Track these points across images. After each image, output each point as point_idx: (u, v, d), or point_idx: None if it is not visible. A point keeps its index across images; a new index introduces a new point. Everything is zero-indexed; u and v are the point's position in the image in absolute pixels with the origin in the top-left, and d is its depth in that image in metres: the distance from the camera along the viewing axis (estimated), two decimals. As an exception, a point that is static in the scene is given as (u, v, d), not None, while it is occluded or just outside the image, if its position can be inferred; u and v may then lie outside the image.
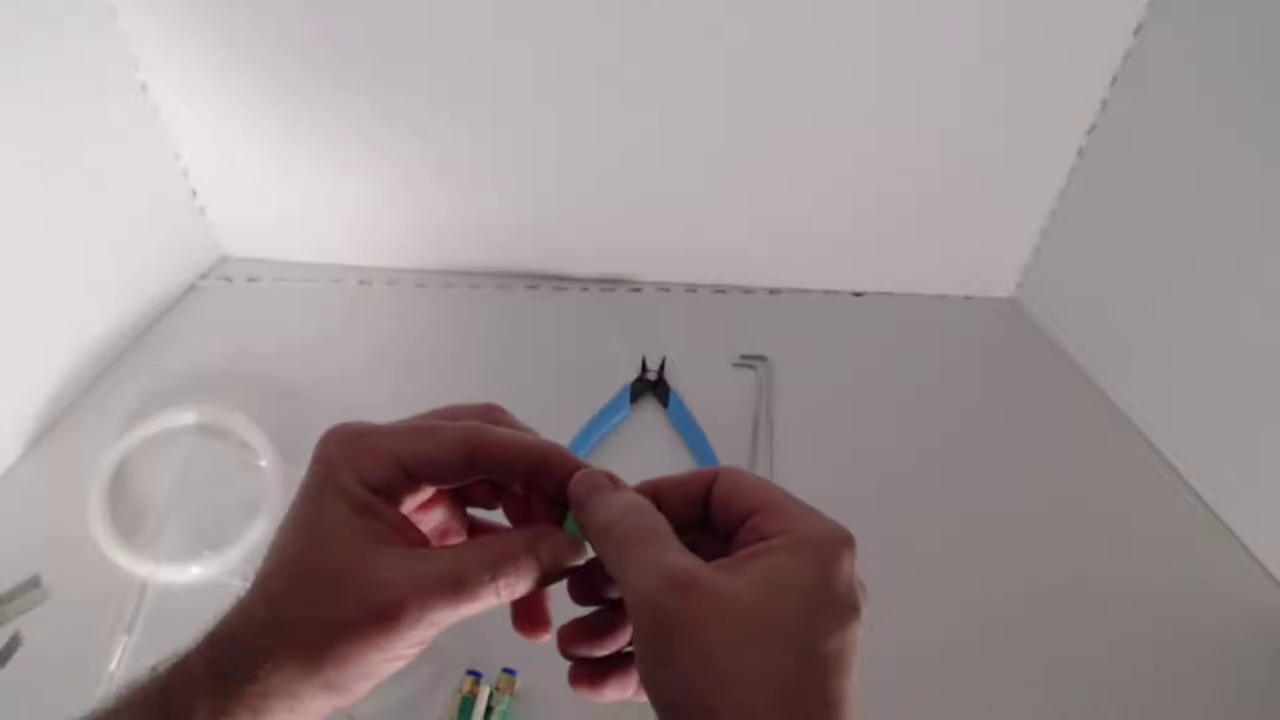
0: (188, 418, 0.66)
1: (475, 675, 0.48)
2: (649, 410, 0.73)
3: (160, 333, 0.80)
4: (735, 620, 0.22)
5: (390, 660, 0.25)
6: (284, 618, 0.24)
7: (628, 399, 0.72)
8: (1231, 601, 0.58)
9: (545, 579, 0.27)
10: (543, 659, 0.29)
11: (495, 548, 0.27)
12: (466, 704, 0.47)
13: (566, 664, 0.28)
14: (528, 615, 0.29)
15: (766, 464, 0.67)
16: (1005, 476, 0.68)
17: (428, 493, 0.29)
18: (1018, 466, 0.69)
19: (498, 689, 0.48)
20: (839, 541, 0.24)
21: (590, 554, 0.28)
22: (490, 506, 0.32)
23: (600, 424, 0.69)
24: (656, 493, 0.28)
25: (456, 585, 0.25)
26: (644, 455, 0.69)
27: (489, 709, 0.47)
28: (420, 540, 0.28)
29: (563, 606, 0.30)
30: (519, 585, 0.26)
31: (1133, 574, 0.60)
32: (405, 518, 0.28)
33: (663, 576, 0.23)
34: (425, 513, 0.30)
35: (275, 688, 0.23)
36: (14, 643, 0.50)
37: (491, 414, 0.30)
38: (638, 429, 0.71)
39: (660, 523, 0.25)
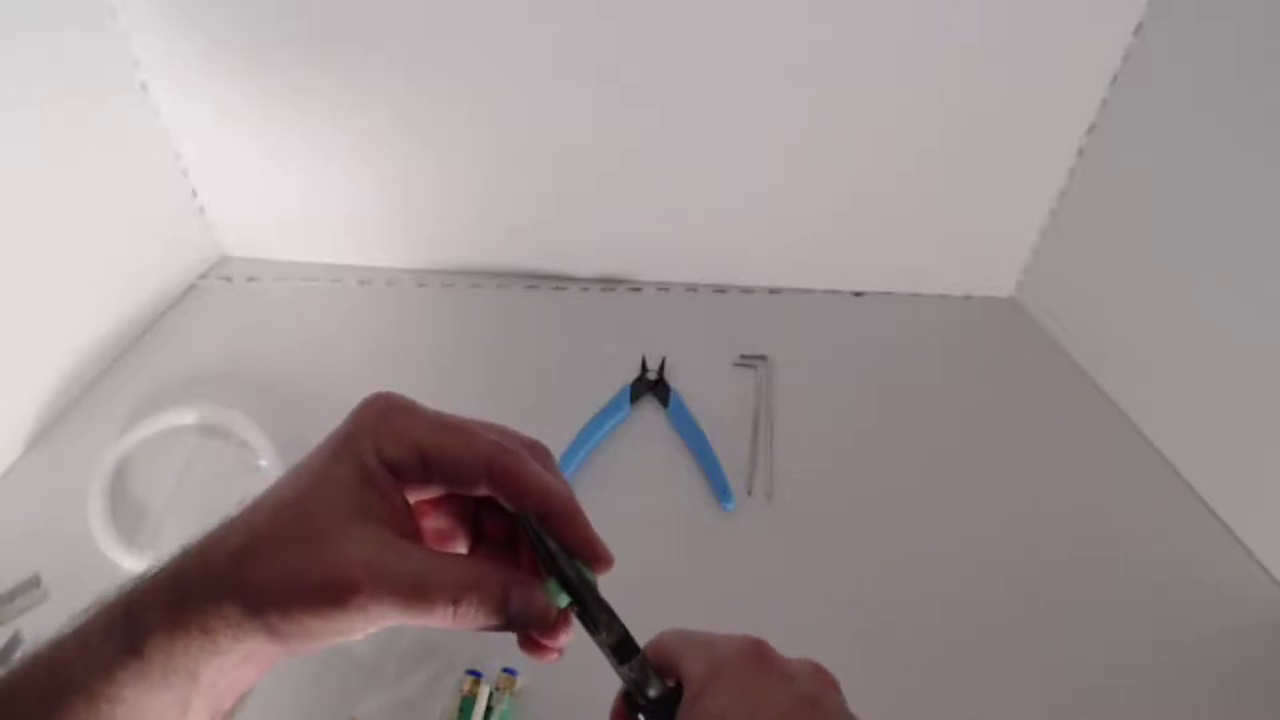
0: (188, 418, 0.66)
1: (475, 675, 0.48)
2: (649, 410, 0.73)
3: (160, 333, 0.80)
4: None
5: (333, 634, 0.24)
6: (250, 553, 0.24)
7: (628, 399, 0.72)
8: (1231, 601, 0.58)
9: (506, 625, 0.26)
10: (543, 659, 0.28)
11: (470, 571, 0.26)
12: (466, 704, 0.47)
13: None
14: (532, 638, 0.28)
15: (766, 464, 0.67)
16: (1005, 476, 0.68)
17: (435, 491, 0.28)
18: (1017, 466, 0.69)
19: (498, 689, 0.48)
20: None
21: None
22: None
23: (600, 424, 0.69)
24: None
25: (415, 591, 0.24)
26: (644, 455, 0.69)
27: (489, 709, 0.47)
28: (413, 532, 0.27)
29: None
30: (476, 618, 0.25)
31: (1132, 573, 0.60)
32: (408, 504, 0.27)
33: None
34: (430, 510, 0.30)
35: (225, 614, 0.24)
36: (14, 643, 0.50)
37: (535, 450, 0.29)
38: (638, 429, 0.71)
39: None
